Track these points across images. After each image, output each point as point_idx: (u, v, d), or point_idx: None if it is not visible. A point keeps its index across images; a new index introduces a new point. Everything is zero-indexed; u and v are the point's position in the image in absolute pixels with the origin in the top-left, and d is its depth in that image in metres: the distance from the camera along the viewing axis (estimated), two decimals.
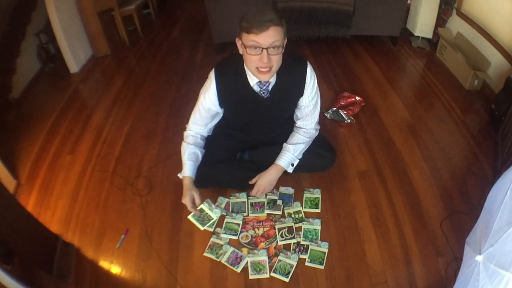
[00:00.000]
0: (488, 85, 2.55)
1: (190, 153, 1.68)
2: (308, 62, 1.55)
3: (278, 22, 1.26)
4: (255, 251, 1.56)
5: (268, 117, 1.69)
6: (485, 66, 2.55)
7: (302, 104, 1.64)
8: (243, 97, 1.55)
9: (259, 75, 1.40)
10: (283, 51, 1.36)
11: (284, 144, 1.71)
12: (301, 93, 1.59)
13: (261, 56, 1.29)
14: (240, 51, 1.37)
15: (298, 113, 1.70)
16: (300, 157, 1.72)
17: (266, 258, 1.52)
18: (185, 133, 1.73)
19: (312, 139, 1.75)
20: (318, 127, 1.77)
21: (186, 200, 1.62)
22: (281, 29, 1.28)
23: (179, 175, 1.69)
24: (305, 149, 1.73)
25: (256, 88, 1.52)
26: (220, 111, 1.68)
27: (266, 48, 1.27)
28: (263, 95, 1.55)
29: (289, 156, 1.68)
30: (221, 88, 1.53)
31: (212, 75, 1.53)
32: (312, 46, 3.34)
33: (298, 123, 1.73)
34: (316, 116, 1.70)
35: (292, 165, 1.72)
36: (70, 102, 2.78)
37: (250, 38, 1.26)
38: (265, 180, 1.70)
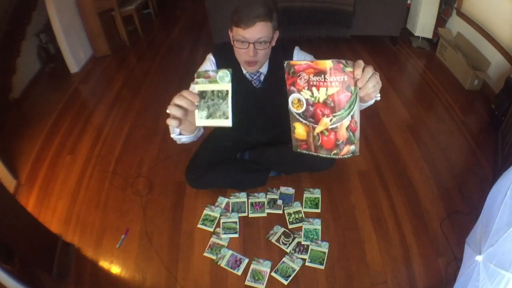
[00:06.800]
0: (488, 85, 2.55)
1: None
2: (296, 47, 1.51)
3: (266, 17, 1.26)
4: (260, 260, 1.52)
5: (262, 109, 1.66)
6: (485, 66, 2.55)
7: None
8: (237, 82, 1.52)
9: (247, 67, 1.43)
10: (272, 45, 1.37)
11: None
12: None
13: (247, 50, 1.32)
14: (232, 43, 1.40)
15: None
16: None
17: (268, 270, 1.48)
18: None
19: None
20: None
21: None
22: (270, 24, 1.29)
23: (173, 135, 1.22)
24: None
25: (248, 77, 1.53)
26: None
27: (253, 43, 1.29)
28: (256, 85, 1.55)
29: None
30: (220, 66, 1.50)
31: (210, 56, 1.52)
32: (312, 46, 3.33)
33: None
34: None
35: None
36: (70, 102, 2.78)
37: (238, 33, 1.29)
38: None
